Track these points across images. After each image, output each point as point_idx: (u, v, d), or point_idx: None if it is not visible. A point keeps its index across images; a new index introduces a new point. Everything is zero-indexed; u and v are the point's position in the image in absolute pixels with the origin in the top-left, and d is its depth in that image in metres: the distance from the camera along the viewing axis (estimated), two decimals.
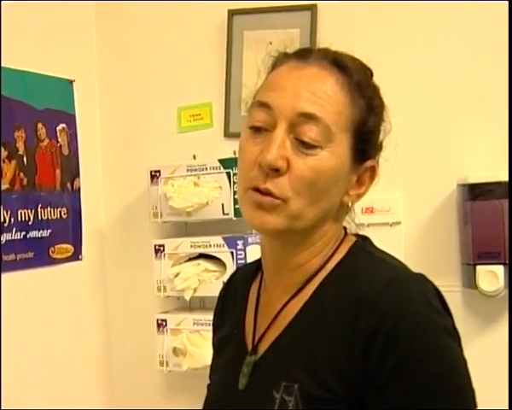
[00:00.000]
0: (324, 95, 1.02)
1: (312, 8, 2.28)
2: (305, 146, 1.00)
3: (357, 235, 1.13)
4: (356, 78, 1.05)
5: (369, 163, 1.07)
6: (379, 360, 0.94)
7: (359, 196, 1.09)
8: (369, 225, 2.18)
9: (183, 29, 2.49)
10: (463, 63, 2.12)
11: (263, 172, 1.00)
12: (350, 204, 1.09)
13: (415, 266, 2.23)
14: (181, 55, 2.49)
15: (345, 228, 1.13)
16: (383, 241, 2.23)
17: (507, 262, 1.97)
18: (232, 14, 2.38)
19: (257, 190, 1.01)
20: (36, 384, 2.31)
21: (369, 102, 1.06)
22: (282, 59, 1.09)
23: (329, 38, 2.23)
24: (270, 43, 2.33)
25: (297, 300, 1.06)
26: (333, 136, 1.01)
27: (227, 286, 1.28)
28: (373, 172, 1.09)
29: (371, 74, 1.12)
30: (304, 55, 1.07)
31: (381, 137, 1.10)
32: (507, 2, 2.03)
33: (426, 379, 0.93)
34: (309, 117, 1.00)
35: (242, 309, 1.16)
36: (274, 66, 1.10)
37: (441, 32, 2.14)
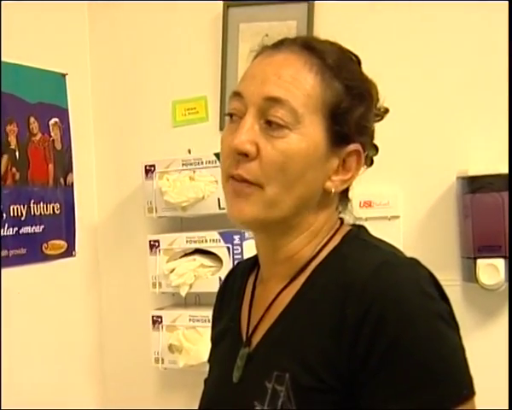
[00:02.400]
0: (290, 78, 1.01)
1: (309, 0, 2.25)
2: (272, 128, 1.00)
3: (353, 225, 1.12)
4: (329, 60, 1.04)
5: (351, 147, 1.04)
6: (367, 348, 0.92)
7: (344, 182, 1.06)
8: (367, 219, 2.15)
9: (178, 22, 2.46)
10: (462, 57, 2.10)
11: (235, 160, 1.01)
12: (333, 190, 1.05)
13: None
14: (175, 48, 2.46)
15: (341, 219, 1.11)
16: (382, 235, 2.22)
17: (507, 255, 1.95)
18: (228, 6, 2.35)
19: (233, 178, 1.02)
20: (29, 381, 2.27)
21: (346, 83, 1.03)
22: (259, 51, 1.09)
23: (327, 29, 2.21)
24: (267, 35, 2.30)
25: (289, 290, 1.05)
26: (301, 117, 1.00)
27: (226, 281, 1.28)
28: (358, 156, 1.06)
29: (356, 60, 1.11)
30: (278, 44, 1.07)
31: (369, 122, 1.08)
32: (507, 1, 2.02)
33: (414, 367, 0.91)
34: (274, 100, 1.00)
35: (239, 303, 1.16)
36: (253, 59, 1.10)
37: (441, 25, 2.12)
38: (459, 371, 0.94)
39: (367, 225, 2.19)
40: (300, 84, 1.01)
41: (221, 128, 2.36)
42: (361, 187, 2.19)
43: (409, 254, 2.19)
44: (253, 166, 1.00)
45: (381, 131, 2.21)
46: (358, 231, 1.09)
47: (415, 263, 1.00)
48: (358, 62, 1.11)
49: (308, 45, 1.05)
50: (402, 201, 2.14)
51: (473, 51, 2.09)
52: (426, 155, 2.12)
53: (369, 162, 1.13)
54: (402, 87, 2.14)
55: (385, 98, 1.12)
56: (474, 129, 2.08)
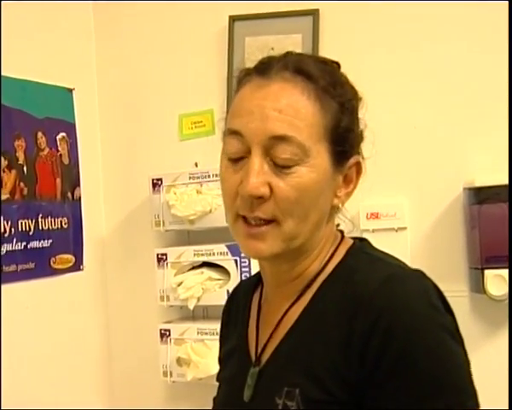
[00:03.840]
0: (292, 111, 0.99)
1: (314, 13, 2.26)
2: (282, 167, 0.98)
3: (354, 238, 1.11)
4: (322, 82, 1.02)
5: (352, 160, 1.05)
6: (375, 360, 0.92)
7: (349, 195, 1.07)
8: (374, 231, 2.17)
9: (184, 36, 2.47)
10: (468, 66, 2.10)
11: (247, 202, 0.99)
12: (340, 205, 1.06)
13: None
14: (182, 61, 2.47)
15: (342, 231, 1.11)
16: (389, 246, 2.21)
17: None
18: (233, 20, 2.37)
19: (245, 219, 1.01)
20: (37, 395, 2.27)
21: (340, 100, 1.03)
22: (244, 77, 1.05)
23: (332, 42, 2.25)
24: (272, 49, 2.31)
25: (297, 306, 1.05)
26: (308, 150, 0.99)
27: (230, 300, 1.28)
28: (359, 167, 1.06)
29: (338, 67, 1.09)
30: (265, 69, 1.03)
31: (359, 128, 1.08)
32: (507, 1, 2.03)
33: (422, 379, 0.91)
34: (280, 139, 0.98)
35: (245, 322, 1.16)
36: (238, 86, 1.06)
37: (444, 35, 2.13)
38: (464, 384, 0.94)
39: (374, 236, 2.20)
40: (303, 116, 0.99)
41: None
42: (368, 199, 2.21)
43: (416, 265, 2.19)
44: (269, 206, 0.99)
45: (388, 143, 2.22)
46: (362, 245, 1.09)
47: (420, 275, 1.00)
48: (339, 67, 1.10)
49: (300, 70, 1.02)
50: (409, 212, 2.14)
51: (480, 61, 2.09)
52: (432, 166, 2.13)
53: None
54: (408, 98, 2.16)
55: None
56: (481, 140, 2.08)
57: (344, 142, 1.03)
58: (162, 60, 2.51)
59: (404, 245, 2.12)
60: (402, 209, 2.14)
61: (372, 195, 2.17)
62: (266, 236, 1.00)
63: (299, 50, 2.26)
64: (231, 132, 1.02)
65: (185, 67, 2.47)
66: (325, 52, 2.25)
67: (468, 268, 2.09)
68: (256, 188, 0.98)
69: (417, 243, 2.13)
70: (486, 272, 1.97)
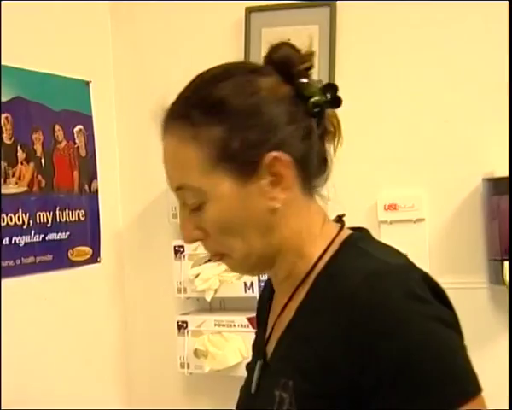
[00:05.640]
0: (177, 161, 1.02)
1: (331, 4, 2.25)
2: (196, 210, 1.01)
3: (354, 228, 1.09)
4: (196, 118, 0.99)
5: (266, 161, 0.98)
6: (359, 358, 0.91)
7: (285, 190, 1.00)
8: (391, 223, 2.16)
9: (200, 28, 2.47)
10: (488, 57, 2.09)
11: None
12: (278, 205, 1.00)
13: (440, 264, 2.20)
14: (198, 53, 2.47)
15: (342, 222, 1.09)
16: (407, 238, 2.22)
17: None
18: (250, 11, 2.36)
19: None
20: (54, 387, 2.29)
21: (222, 120, 0.99)
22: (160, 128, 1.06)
23: (349, 33, 2.24)
24: (289, 40, 2.30)
25: (293, 302, 1.05)
26: (205, 188, 0.99)
27: (264, 287, 1.30)
28: (278, 160, 0.98)
29: (220, 77, 1.04)
30: (162, 126, 1.05)
31: (261, 126, 0.99)
32: (507, 2, 2.02)
33: (414, 373, 0.89)
34: (180, 189, 1.02)
35: (265, 315, 1.18)
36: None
37: (463, 26, 2.12)
38: (460, 371, 0.92)
39: (392, 228, 2.18)
40: (186, 161, 0.99)
41: None
42: (385, 190, 2.20)
43: (435, 257, 2.18)
44: (210, 243, 1.04)
45: (406, 134, 2.21)
46: (357, 237, 1.06)
47: (405, 269, 0.98)
48: (220, 78, 1.04)
49: (177, 115, 1.02)
50: (427, 203, 2.13)
51: (499, 54, 2.07)
52: (451, 157, 2.11)
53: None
54: (426, 88, 2.14)
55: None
56: (500, 130, 2.06)
57: (242, 154, 0.98)
58: (178, 52, 2.51)
59: (422, 237, 2.11)
60: (420, 200, 2.13)
61: (390, 186, 2.17)
62: (228, 265, 1.07)
63: (316, 41, 2.27)
64: None
65: (201, 58, 2.45)
66: (342, 43, 2.25)
67: (487, 260, 2.07)
68: (188, 237, 1.04)
69: (436, 235, 2.12)
70: (506, 263, 1.95)
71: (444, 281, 2.18)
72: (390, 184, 2.17)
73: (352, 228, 1.09)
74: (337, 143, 1.07)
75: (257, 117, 0.99)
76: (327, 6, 2.26)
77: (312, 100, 1.01)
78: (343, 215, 1.10)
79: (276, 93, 1.00)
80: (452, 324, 0.95)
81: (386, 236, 2.14)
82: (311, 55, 1.05)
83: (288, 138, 1.00)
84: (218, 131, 0.98)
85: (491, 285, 2.05)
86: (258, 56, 2.34)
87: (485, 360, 2.05)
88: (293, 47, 1.06)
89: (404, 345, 0.90)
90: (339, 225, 1.09)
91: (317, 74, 2.27)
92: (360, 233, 1.08)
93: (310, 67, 1.04)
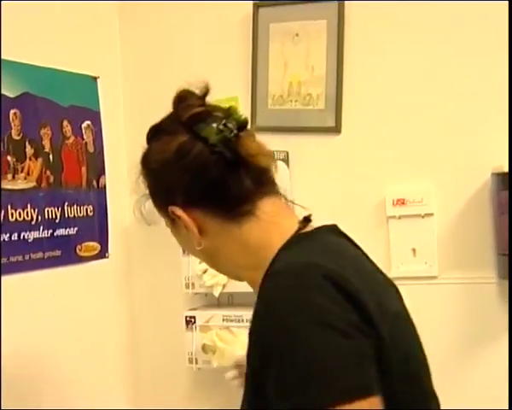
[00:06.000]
0: None
1: (339, 0, 2.24)
2: None
3: (326, 226, 1.16)
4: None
5: (169, 210, 1.17)
6: (252, 354, 1.02)
7: (194, 234, 1.16)
8: (400, 217, 2.15)
9: (208, 23, 2.46)
10: (496, 51, 2.07)
11: None
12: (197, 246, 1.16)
13: (448, 258, 2.19)
14: (206, 48, 2.46)
15: (305, 224, 1.15)
16: (415, 233, 2.21)
17: None
18: (257, 6, 2.35)
19: None
20: (62, 382, 2.29)
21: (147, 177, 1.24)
22: None
23: (357, 28, 2.23)
24: (297, 34, 2.30)
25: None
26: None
27: None
28: (175, 211, 1.16)
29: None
30: None
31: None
32: (507, 1, 2.01)
33: (284, 372, 0.94)
34: None
35: None
36: None
37: (472, 22, 2.11)
38: (327, 378, 0.92)
39: (400, 223, 2.17)
40: None
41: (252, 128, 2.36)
42: (394, 185, 2.19)
43: (443, 251, 2.17)
44: None
45: (415, 128, 2.20)
46: (297, 239, 1.11)
47: (304, 270, 1.00)
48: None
49: None
50: (436, 198, 2.12)
51: (506, 48, 2.06)
52: (460, 152, 2.11)
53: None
54: (434, 82, 2.13)
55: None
56: (509, 125, 2.05)
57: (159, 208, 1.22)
58: (186, 48, 2.50)
59: (431, 231, 2.11)
60: (429, 195, 2.12)
61: (398, 181, 2.16)
62: None
63: (324, 36, 2.27)
64: None
65: (210, 54, 2.46)
66: (350, 38, 2.24)
67: (496, 254, 2.06)
68: None
69: (444, 230, 2.12)
70: None
71: (452, 276, 2.19)
72: (398, 178, 2.17)
73: (324, 226, 1.15)
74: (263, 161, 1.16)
75: (160, 179, 1.19)
76: (335, 1, 2.25)
77: (210, 141, 1.11)
78: (309, 216, 1.16)
79: (178, 152, 1.14)
80: (337, 325, 0.95)
81: (394, 231, 2.14)
82: (205, 94, 1.23)
83: (189, 191, 1.14)
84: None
85: (500, 280, 2.04)
86: (266, 51, 2.35)
87: (494, 355, 2.05)
88: (186, 94, 1.24)
89: (279, 345, 0.95)
90: (298, 226, 1.14)
91: (325, 69, 2.27)
92: (304, 233, 1.13)
93: (200, 112, 1.16)
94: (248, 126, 1.16)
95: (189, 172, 1.13)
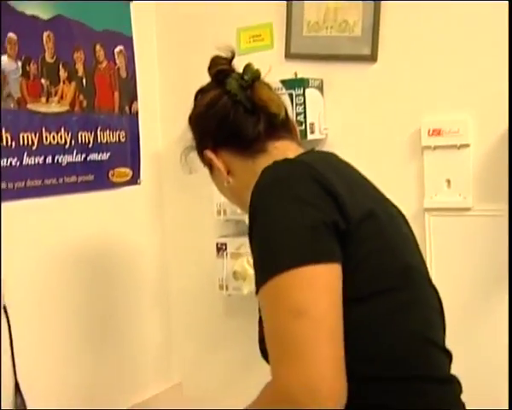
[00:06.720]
0: None
1: None
2: None
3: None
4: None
5: (205, 156, 1.49)
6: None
7: (224, 173, 1.45)
8: (435, 148, 2.12)
9: None
10: None
11: None
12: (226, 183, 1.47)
13: (483, 190, 2.16)
14: None
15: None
16: (451, 164, 2.17)
17: None
18: None
19: None
20: (93, 309, 2.34)
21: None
22: None
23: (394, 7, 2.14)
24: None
25: None
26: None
27: None
28: (209, 159, 1.47)
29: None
30: None
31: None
32: (507, 1, 1.93)
33: (257, 243, 1.16)
34: None
35: None
36: None
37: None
38: (279, 247, 1.11)
39: (435, 154, 2.13)
40: None
41: (286, 55, 2.33)
42: (430, 115, 2.15)
43: (478, 183, 2.14)
44: None
45: (452, 58, 2.14)
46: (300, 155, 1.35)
47: (290, 162, 1.24)
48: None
49: None
50: (473, 129, 2.07)
51: None
52: (498, 80, 2.04)
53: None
54: (476, 11, 2.06)
55: None
56: None
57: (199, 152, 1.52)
58: None
59: (467, 163, 2.07)
60: (466, 126, 2.07)
61: (434, 110, 2.12)
62: None
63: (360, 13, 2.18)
64: None
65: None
66: (387, 19, 2.17)
67: None
68: None
69: (480, 161, 2.07)
70: None
71: (486, 208, 2.16)
72: (435, 108, 2.12)
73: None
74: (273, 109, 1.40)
75: (197, 129, 1.51)
76: None
77: (231, 92, 1.40)
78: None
79: (208, 105, 1.44)
80: (305, 199, 1.14)
81: (429, 162, 2.11)
82: (231, 57, 1.47)
83: (216, 135, 1.43)
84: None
85: None
86: (301, 19, 2.27)
87: None
88: (215, 58, 1.48)
89: (254, 218, 1.17)
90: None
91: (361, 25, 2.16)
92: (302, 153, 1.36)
93: (224, 70, 1.44)
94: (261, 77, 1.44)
95: (216, 119, 1.41)
